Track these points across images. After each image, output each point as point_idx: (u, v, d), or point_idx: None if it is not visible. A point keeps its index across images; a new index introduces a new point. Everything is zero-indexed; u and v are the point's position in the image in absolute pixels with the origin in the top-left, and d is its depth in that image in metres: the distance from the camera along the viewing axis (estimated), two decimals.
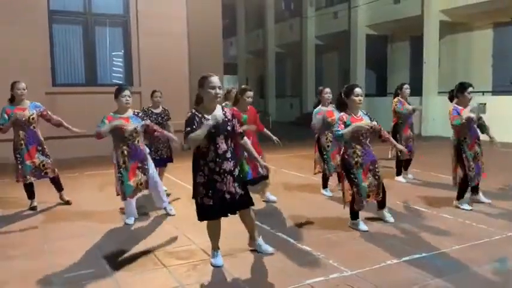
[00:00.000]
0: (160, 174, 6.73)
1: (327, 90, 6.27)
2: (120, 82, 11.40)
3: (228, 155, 3.67)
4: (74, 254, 4.17)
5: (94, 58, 11.05)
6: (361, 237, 4.52)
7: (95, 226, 5.06)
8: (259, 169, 5.41)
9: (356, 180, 4.56)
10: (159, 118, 6.50)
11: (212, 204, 3.63)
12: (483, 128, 5.59)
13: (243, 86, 5.77)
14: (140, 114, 5.17)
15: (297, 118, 20.24)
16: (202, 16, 12.21)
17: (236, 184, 3.71)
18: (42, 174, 5.74)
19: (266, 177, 5.72)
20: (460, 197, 5.49)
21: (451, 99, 5.54)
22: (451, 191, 5.77)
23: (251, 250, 4.10)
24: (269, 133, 5.87)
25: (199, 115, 3.62)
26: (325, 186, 6.41)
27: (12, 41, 9.71)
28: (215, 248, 3.89)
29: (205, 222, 3.79)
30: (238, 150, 4.77)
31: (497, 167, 8.41)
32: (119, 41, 11.41)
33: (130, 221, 5.09)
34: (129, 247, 4.34)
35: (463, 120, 5.21)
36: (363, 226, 4.69)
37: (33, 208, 5.78)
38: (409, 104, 7.25)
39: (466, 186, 5.45)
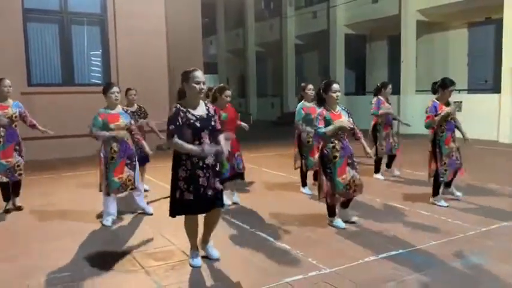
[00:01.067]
0: (142, 173, 6.70)
1: (310, 86, 6.31)
2: (98, 82, 11.25)
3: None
4: (50, 256, 4.10)
5: (71, 57, 10.86)
6: (340, 235, 4.56)
7: (73, 228, 4.98)
8: (235, 166, 5.44)
9: (331, 175, 4.59)
10: (136, 116, 6.42)
11: (193, 199, 3.57)
12: (457, 123, 5.62)
13: (221, 85, 5.73)
14: (129, 112, 5.25)
15: (278, 117, 20.30)
16: (181, 15, 12.14)
17: (217, 179, 3.70)
18: (16, 175, 5.58)
19: (242, 176, 5.71)
20: (435, 193, 5.58)
21: (434, 91, 5.58)
22: (427, 188, 5.86)
23: (202, 256, 3.90)
24: (241, 123, 6.01)
25: (184, 109, 3.59)
26: (304, 184, 6.44)
27: None
28: (194, 247, 3.86)
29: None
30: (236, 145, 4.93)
31: (472, 163, 8.60)
32: (97, 40, 11.24)
33: (108, 222, 5.01)
34: (107, 249, 4.29)
35: (435, 124, 5.30)
36: (340, 224, 4.73)
37: (7, 211, 5.63)
38: (389, 103, 7.34)
39: (438, 182, 5.53)
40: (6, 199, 5.70)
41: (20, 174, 5.62)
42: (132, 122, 5.22)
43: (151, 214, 5.35)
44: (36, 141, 8.44)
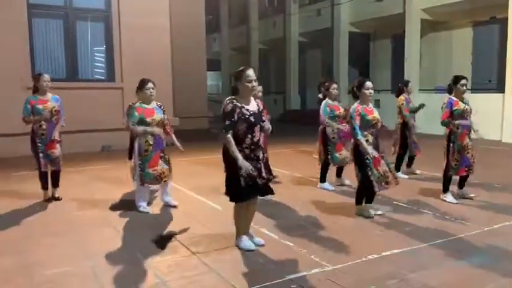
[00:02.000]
0: None
1: (334, 85, 6.50)
2: (102, 77, 11.28)
3: (261, 143, 3.94)
4: (55, 251, 4.12)
5: (75, 53, 10.88)
6: (343, 232, 4.57)
7: (78, 222, 5.01)
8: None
9: (370, 165, 4.79)
10: None
11: (248, 185, 3.81)
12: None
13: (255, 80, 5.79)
14: (162, 107, 5.41)
15: (280, 115, 20.28)
16: (185, 11, 12.16)
17: (267, 170, 4.00)
18: (60, 165, 5.85)
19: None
20: (445, 189, 5.64)
21: (450, 92, 5.67)
22: (432, 187, 5.87)
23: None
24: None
25: (239, 105, 3.83)
26: (323, 180, 6.49)
27: None
28: (241, 233, 4.10)
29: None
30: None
31: (476, 163, 8.58)
32: (101, 36, 11.25)
33: (145, 209, 5.29)
34: (111, 244, 4.31)
35: (451, 125, 5.42)
36: (370, 212, 4.99)
37: (47, 199, 5.86)
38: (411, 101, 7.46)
39: (448, 177, 5.59)
40: (45, 187, 5.91)
41: (60, 166, 5.88)
42: (166, 117, 5.41)
43: (175, 206, 5.47)
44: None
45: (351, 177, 6.46)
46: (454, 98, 5.53)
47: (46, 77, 5.74)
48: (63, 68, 10.80)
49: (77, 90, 10.38)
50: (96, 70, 11.39)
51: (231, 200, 3.96)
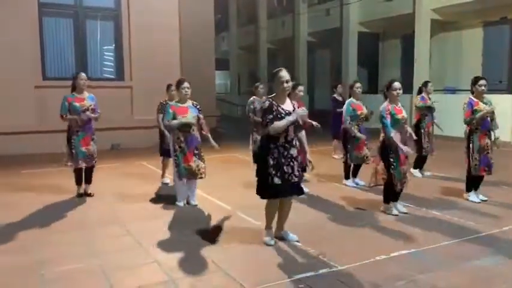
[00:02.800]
0: (164, 166, 6.87)
1: (358, 84, 6.64)
2: (111, 76, 11.33)
3: (294, 142, 4.06)
4: (65, 248, 4.16)
5: (85, 52, 10.96)
6: (352, 233, 4.57)
7: (88, 220, 5.05)
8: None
9: (394, 164, 4.88)
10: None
11: (281, 183, 3.95)
12: (493, 124, 5.71)
13: (294, 83, 5.75)
14: (198, 106, 5.54)
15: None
16: (194, 11, 12.17)
17: (300, 169, 4.13)
18: (93, 162, 6.02)
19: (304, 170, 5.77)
20: (468, 189, 5.72)
21: (472, 92, 5.72)
22: (442, 189, 5.84)
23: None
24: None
25: (276, 104, 3.97)
26: (347, 176, 6.65)
27: (1, 34, 9.60)
28: (268, 227, 4.23)
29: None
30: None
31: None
32: (110, 35, 11.31)
33: (180, 203, 5.53)
34: (119, 241, 4.34)
35: (474, 120, 5.47)
36: (395, 211, 5.06)
37: (80, 195, 6.01)
38: (430, 100, 7.45)
39: (471, 177, 5.66)
40: (79, 183, 6.07)
41: (96, 162, 6.06)
42: (201, 115, 5.52)
43: (196, 205, 5.57)
44: (54, 134, 8.60)
45: (364, 177, 6.47)
46: (475, 99, 5.57)
47: (83, 75, 5.95)
48: (73, 66, 10.87)
49: (87, 88, 10.44)
50: (105, 69, 11.45)
51: (262, 197, 4.06)
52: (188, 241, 4.27)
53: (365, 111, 6.29)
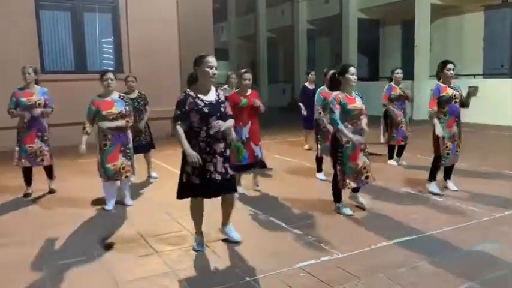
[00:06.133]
0: (147, 162, 6.71)
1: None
2: (111, 69, 11.28)
3: (219, 136, 3.68)
4: (64, 241, 4.18)
5: (83, 44, 10.91)
6: (352, 220, 4.56)
7: (84, 213, 5.05)
8: (256, 154, 5.44)
9: (341, 159, 4.57)
10: (136, 103, 6.41)
11: (199, 183, 3.64)
12: (465, 102, 5.36)
13: (242, 70, 5.61)
14: (126, 98, 5.22)
15: (288, 103, 20.19)
16: (192, 0, 12.06)
17: (227, 165, 3.74)
18: (38, 161, 5.70)
19: (263, 165, 5.70)
20: (431, 178, 5.44)
21: (438, 78, 5.46)
22: (440, 174, 5.79)
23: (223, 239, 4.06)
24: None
25: (194, 95, 3.64)
26: (319, 169, 6.43)
27: None
28: (198, 232, 3.92)
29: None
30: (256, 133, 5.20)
31: (487, 149, 8.50)
32: (108, 27, 11.26)
33: (109, 207, 5.12)
34: (121, 234, 4.35)
35: (433, 113, 5.19)
36: (346, 211, 4.73)
37: (27, 195, 5.77)
38: (401, 88, 7.24)
39: (437, 166, 5.38)
40: (28, 183, 5.84)
41: (42, 160, 5.73)
42: (128, 108, 5.13)
43: (130, 206, 5.27)
44: (51, 128, 8.56)
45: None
46: (442, 85, 5.28)
47: (28, 69, 5.59)
48: (72, 59, 10.85)
49: (86, 81, 10.41)
50: (104, 61, 11.41)
51: (178, 196, 3.74)
52: (187, 234, 4.27)
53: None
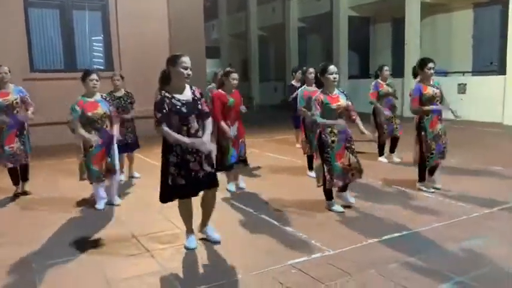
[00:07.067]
0: (130, 161, 6.67)
1: (311, 70, 6.28)
2: (101, 67, 11.22)
3: (200, 133, 3.68)
4: (55, 240, 4.16)
5: (73, 42, 10.83)
6: (343, 217, 4.59)
7: (74, 212, 5.03)
8: (239, 151, 5.45)
9: (329, 160, 4.58)
10: (122, 102, 6.38)
11: (185, 184, 3.61)
12: (445, 105, 5.39)
13: (227, 69, 5.67)
14: (107, 99, 5.17)
15: (281, 101, 20.21)
16: None
17: (209, 161, 3.74)
18: (22, 160, 5.64)
19: (245, 162, 5.71)
20: (421, 178, 5.43)
21: (414, 75, 5.42)
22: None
23: (201, 238, 4.00)
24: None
25: (169, 96, 3.58)
26: (310, 167, 6.45)
27: None
28: (189, 231, 3.91)
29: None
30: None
31: (476, 145, 8.59)
32: (98, 25, 11.18)
33: (100, 206, 5.09)
34: (113, 233, 4.33)
35: (421, 113, 5.17)
36: (337, 207, 4.74)
37: (17, 195, 5.72)
38: (388, 85, 7.27)
39: (424, 167, 5.37)
40: (16, 183, 5.78)
41: (24, 159, 5.65)
42: (112, 109, 5.09)
43: (118, 205, 5.23)
44: (40, 127, 8.50)
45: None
46: (422, 84, 5.21)
47: (3, 68, 5.45)
48: (61, 58, 10.76)
49: (76, 80, 10.31)
50: (94, 60, 11.33)
51: (161, 200, 3.72)
52: (179, 233, 4.27)
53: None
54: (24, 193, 5.81)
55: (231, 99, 5.35)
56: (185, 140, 3.53)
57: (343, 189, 4.87)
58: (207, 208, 3.93)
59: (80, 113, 4.84)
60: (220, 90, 5.43)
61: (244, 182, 5.91)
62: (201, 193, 3.81)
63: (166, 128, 3.53)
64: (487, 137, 9.66)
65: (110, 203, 5.23)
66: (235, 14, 24.27)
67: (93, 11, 11.06)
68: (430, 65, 5.18)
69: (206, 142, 3.60)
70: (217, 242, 3.93)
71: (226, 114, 5.29)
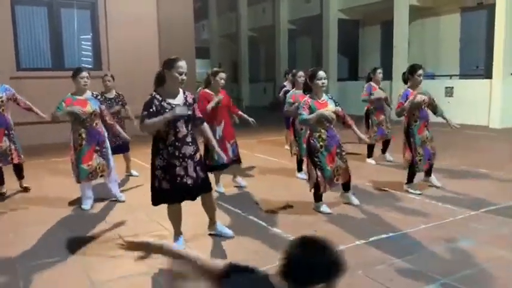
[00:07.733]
0: (126, 160, 6.65)
1: (301, 73, 6.29)
2: (89, 66, 11.12)
3: (188, 139, 3.65)
4: (39, 241, 4.10)
5: (60, 41, 10.72)
6: (331, 218, 4.60)
7: (61, 213, 4.97)
8: (230, 152, 5.42)
9: (320, 164, 4.59)
10: (114, 103, 6.35)
11: (169, 189, 3.61)
12: (436, 109, 5.48)
13: (215, 68, 5.68)
14: (99, 97, 5.15)
15: (270, 103, 20.23)
16: None
17: (198, 168, 3.71)
18: (8, 159, 5.56)
19: (238, 161, 5.73)
20: (409, 180, 5.48)
21: (405, 81, 5.48)
22: (419, 174, 5.88)
23: (210, 234, 4.10)
24: (244, 115, 5.90)
25: (160, 98, 3.57)
26: (300, 169, 6.46)
27: None
28: (177, 234, 3.90)
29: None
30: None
31: (463, 148, 8.68)
32: (87, 24, 11.08)
33: (86, 206, 5.05)
34: (98, 233, 4.29)
35: (404, 111, 5.22)
36: (325, 209, 4.76)
37: (1, 194, 5.64)
38: (381, 88, 7.32)
39: (413, 172, 5.43)
40: (1, 183, 5.68)
41: (12, 159, 5.58)
42: (102, 107, 5.09)
43: (124, 201, 5.28)
44: (28, 126, 8.38)
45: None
46: (410, 90, 5.27)
47: None
48: (49, 56, 10.63)
49: (64, 79, 10.22)
50: (82, 59, 11.22)
51: (152, 203, 3.73)
52: (167, 234, 4.25)
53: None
54: (25, 189, 5.83)
55: (219, 97, 5.34)
56: (166, 115, 3.48)
57: (346, 189, 4.97)
58: (208, 211, 4.01)
59: (65, 111, 4.81)
60: (206, 89, 5.41)
61: (243, 180, 5.97)
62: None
63: (148, 120, 3.49)
64: (473, 139, 9.77)
65: (116, 200, 5.29)
66: (226, 14, 24.26)
67: (82, 9, 10.97)
68: (420, 71, 5.29)
69: (183, 109, 3.53)
70: (231, 237, 4.01)
71: (211, 115, 5.28)
